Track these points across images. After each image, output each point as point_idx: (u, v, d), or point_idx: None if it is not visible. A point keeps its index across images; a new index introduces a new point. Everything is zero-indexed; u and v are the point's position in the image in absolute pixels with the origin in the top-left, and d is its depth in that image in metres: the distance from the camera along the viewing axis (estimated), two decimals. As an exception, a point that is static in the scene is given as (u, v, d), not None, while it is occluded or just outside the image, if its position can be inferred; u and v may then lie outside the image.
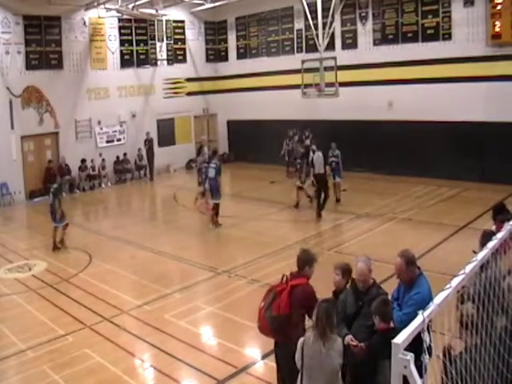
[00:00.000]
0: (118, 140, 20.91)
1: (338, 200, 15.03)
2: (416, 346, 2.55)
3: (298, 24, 20.96)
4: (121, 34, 20.78)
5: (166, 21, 22.25)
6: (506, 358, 3.79)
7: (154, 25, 21.89)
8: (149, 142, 21.06)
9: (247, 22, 23.04)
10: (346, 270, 5.13)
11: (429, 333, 2.63)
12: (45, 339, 7.56)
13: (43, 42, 18.51)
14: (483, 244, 4.18)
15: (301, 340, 4.46)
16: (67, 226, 12.30)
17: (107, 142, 20.55)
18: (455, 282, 2.91)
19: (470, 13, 16.18)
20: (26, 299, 9.24)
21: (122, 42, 20.84)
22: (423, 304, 3.34)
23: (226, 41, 24.09)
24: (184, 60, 23.19)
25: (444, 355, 3.42)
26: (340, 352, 4.37)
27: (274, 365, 5.36)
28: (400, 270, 4.85)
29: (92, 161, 19.73)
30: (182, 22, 23.03)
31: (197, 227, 13.93)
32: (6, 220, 16.01)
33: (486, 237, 5.56)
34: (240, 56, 23.53)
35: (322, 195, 13.55)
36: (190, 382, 6.58)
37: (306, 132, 18.34)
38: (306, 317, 5.02)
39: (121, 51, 20.84)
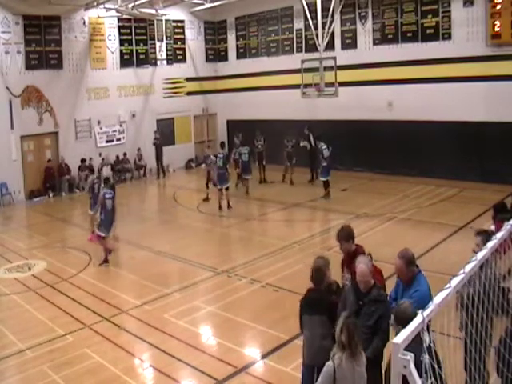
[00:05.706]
0: (118, 140, 20.91)
1: None
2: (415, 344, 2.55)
3: (298, 24, 20.93)
4: (120, 34, 20.75)
5: (166, 20, 22.23)
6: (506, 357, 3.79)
7: (153, 25, 21.86)
8: (157, 140, 21.11)
9: (247, 21, 23.02)
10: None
11: (428, 332, 2.63)
12: (44, 339, 7.55)
13: (43, 42, 18.48)
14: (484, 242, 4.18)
15: (330, 364, 4.02)
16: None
17: (107, 141, 20.54)
18: (455, 281, 2.91)
19: (469, 12, 16.17)
20: (26, 299, 9.22)
21: (121, 42, 20.81)
22: (423, 301, 3.34)
23: (225, 40, 24.06)
24: (184, 60, 23.18)
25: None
26: (365, 363, 4.06)
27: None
28: (400, 270, 4.85)
29: (91, 160, 19.69)
30: (182, 21, 23.02)
31: (196, 227, 13.91)
32: (6, 220, 15.99)
33: (485, 235, 5.56)
34: (240, 56, 23.51)
35: None
36: (189, 381, 6.57)
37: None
38: None
39: (120, 51, 20.81)
